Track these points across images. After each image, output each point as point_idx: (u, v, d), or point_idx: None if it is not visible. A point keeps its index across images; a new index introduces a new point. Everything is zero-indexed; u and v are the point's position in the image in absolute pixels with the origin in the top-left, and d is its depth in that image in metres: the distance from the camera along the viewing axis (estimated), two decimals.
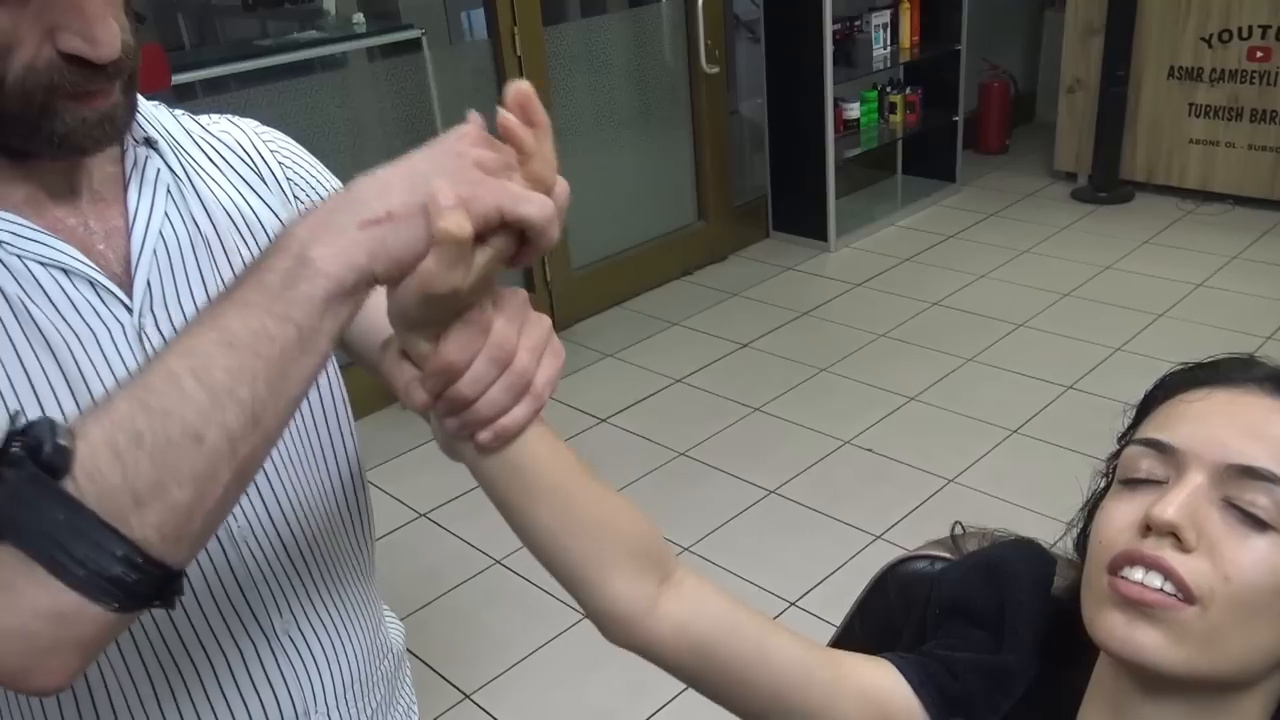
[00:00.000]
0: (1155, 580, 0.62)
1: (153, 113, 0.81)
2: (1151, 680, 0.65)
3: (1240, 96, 4.32)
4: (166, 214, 0.77)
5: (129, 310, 0.74)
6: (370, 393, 3.30)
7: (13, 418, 0.55)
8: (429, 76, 3.38)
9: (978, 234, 4.44)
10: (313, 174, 0.89)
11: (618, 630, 0.71)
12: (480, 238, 0.59)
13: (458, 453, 0.69)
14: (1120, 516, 0.66)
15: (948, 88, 4.73)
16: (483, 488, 0.69)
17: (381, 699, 0.95)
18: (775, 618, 2.51)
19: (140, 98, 0.76)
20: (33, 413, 0.69)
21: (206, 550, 0.77)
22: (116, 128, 0.70)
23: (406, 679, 1.04)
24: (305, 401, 0.84)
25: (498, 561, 2.60)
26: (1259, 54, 4.23)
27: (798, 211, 4.44)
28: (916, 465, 2.87)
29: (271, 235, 0.81)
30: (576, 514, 0.69)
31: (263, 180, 0.84)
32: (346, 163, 2.91)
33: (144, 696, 0.78)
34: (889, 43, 4.51)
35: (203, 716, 0.80)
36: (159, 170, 0.78)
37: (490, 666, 2.29)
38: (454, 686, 2.24)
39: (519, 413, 0.64)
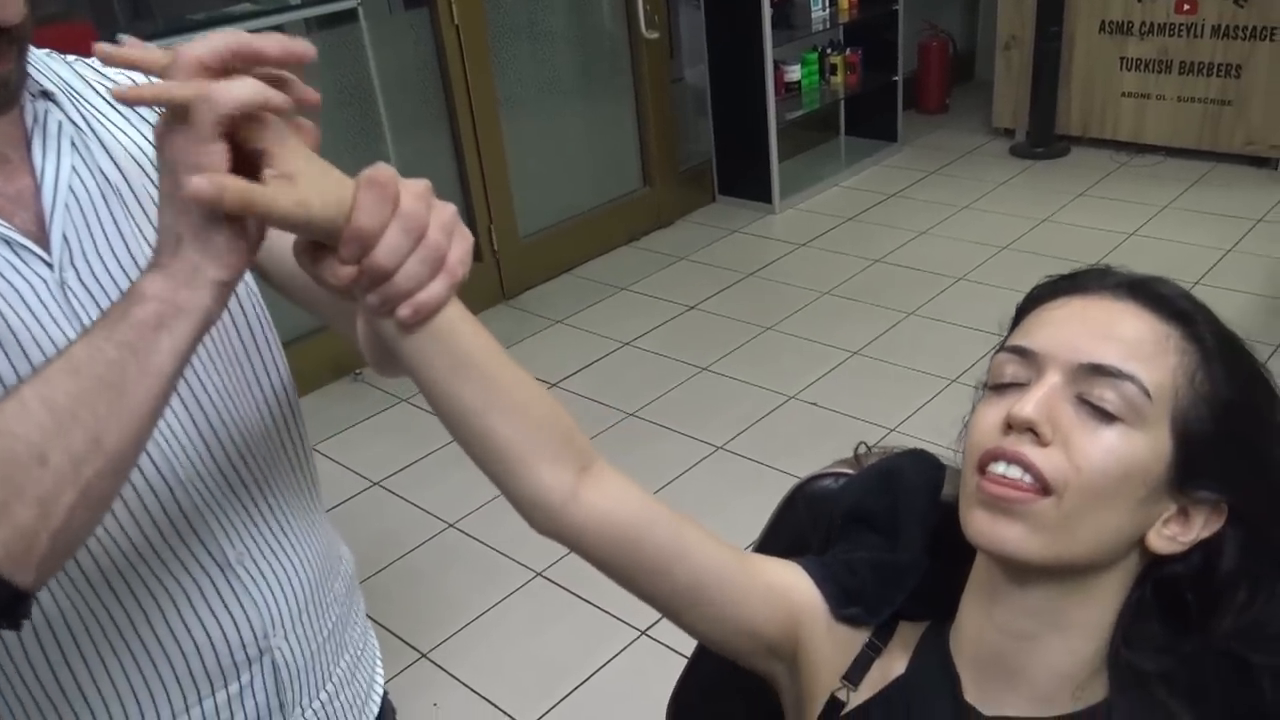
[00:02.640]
0: (1015, 472, 0.68)
1: (46, 63, 0.81)
2: (1017, 569, 0.71)
3: (1169, 49, 4.41)
4: (74, 167, 0.78)
5: (49, 265, 0.75)
6: (320, 365, 3.31)
7: None
8: (367, 48, 3.37)
9: (919, 192, 4.52)
10: None
11: (541, 517, 0.74)
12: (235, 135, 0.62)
13: (382, 351, 0.71)
14: (987, 418, 0.72)
15: (887, 48, 4.78)
16: (408, 371, 0.72)
17: (337, 620, 0.98)
18: None
19: (31, 47, 0.76)
20: None
21: (156, 494, 0.79)
22: (10, 93, 0.71)
23: (360, 604, 1.07)
24: (233, 330, 0.86)
25: (451, 525, 2.64)
26: (1185, 7, 4.32)
27: (742, 175, 4.48)
28: (860, 417, 2.94)
29: None
30: (500, 392, 0.72)
31: None
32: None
33: (109, 635, 0.81)
34: (828, 4, 4.55)
35: (168, 651, 0.83)
36: (60, 124, 0.78)
37: (446, 626, 2.34)
38: (411, 646, 2.28)
39: (436, 288, 0.67)
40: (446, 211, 0.69)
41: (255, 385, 0.88)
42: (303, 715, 0.94)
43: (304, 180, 0.64)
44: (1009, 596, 0.73)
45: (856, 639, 0.83)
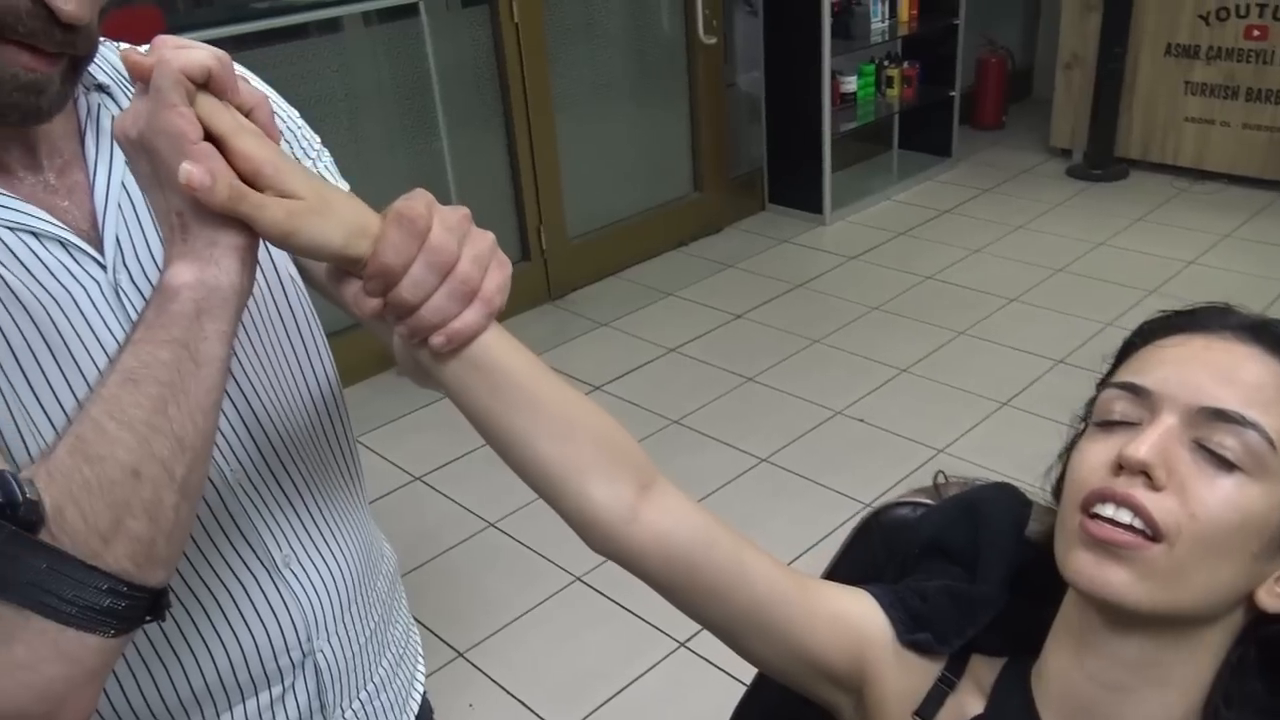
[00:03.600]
0: (1125, 516, 0.65)
1: (101, 53, 0.78)
2: (1117, 616, 0.68)
3: (1236, 75, 4.33)
4: (128, 164, 0.74)
5: (103, 267, 0.73)
6: (365, 358, 3.32)
7: None
8: (426, 43, 3.38)
9: (972, 209, 4.46)
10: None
11: (598, 538, 0.72)
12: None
13: (422, 370, 0.70)
14: (1094, 456, 0.69)
15: (945, 62, 4.73)
16: (451, 399, 0.71)
17: (379, 619, 0.97)
18: None
19: None
20: (18, 381, 0.69)
21: (205, 499, 0.78)
22: (40, 104, 0.67)
23: (402, 602, 1.06)
24: (280, 328, 0.85)
25: (492, 524, 2.63)
26: (1255, 32, 4.24)
27: (793, 184, 4.45)
28: (906, 435, 2.90)
29: None
30: (546, 414, 0.70)
31: None
32: (343, 130, 2.92)
33: (154, 641, 0.80)
34: (887, 16, 4.51)
35: (214, 655, 0.82)
36: (114, 118, 0.74)
37: (484, 626, 2.33)
38: (448, 645, 2.27)
39: (469, 317, 0.66)
40: (483, 241, 0.68)
41: (303, 384, 0.87)
42: (342, 716, 0.93)
43: (309, 203, 0.63)
44: (1104, 644, 0.70)
45: (928, 671, 0.80)
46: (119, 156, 0.76)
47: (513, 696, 2.16)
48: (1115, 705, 0.70)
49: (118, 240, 0.74)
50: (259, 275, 0.82)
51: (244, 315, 0.81)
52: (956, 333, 3.43)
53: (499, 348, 0.69)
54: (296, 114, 0.91)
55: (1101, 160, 4.66)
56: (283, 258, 0.86)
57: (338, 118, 3.22)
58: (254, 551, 0.83)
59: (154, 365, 0.61)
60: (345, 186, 0.92)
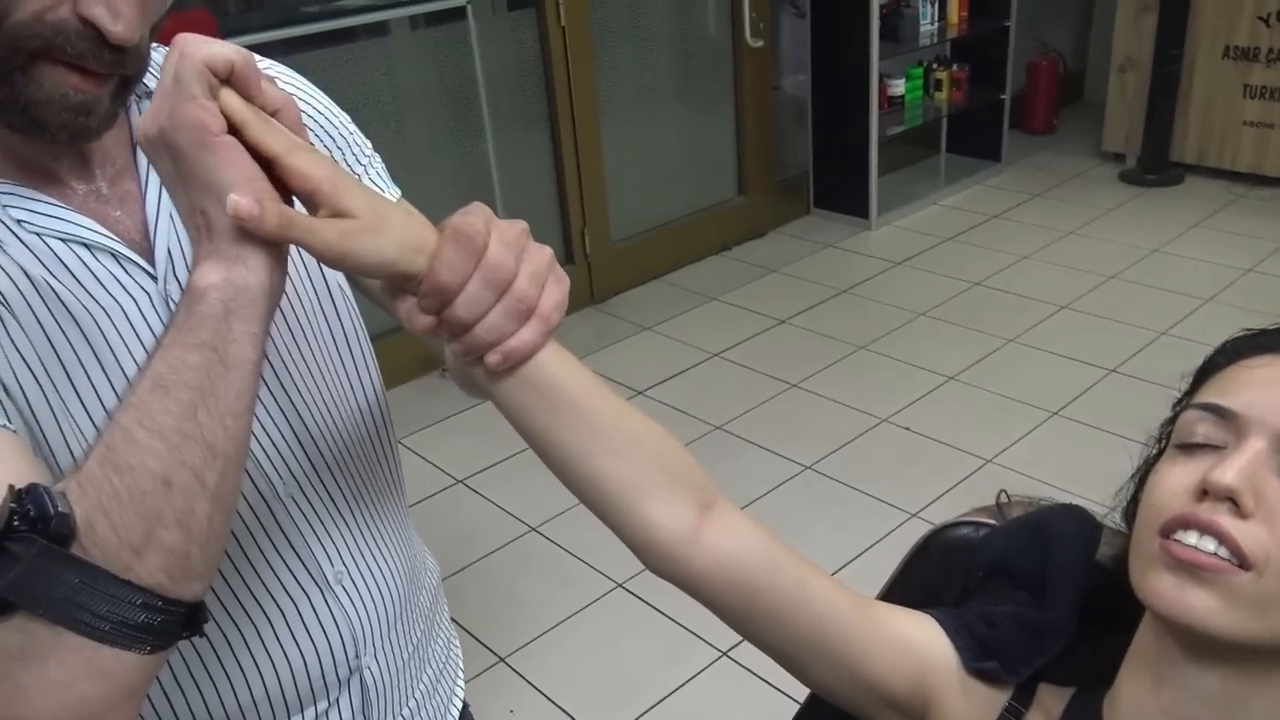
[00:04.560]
0: (1209, 545, 0.61)
1: (155, 60, 0.77)
2: (1197, 644, 0.65)
3: None
4: (151, 166, 0.74)
5: (153, 278, 0.73)
6: (407, 360, 3.33)
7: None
8: (473, 46, 3.38)
9: (1022, 214, 4.39)
10: (319, 110, 0.86)
11: (657, 560, 0.70)
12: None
13: (473, 383, 0.68)
14: (1175, 480, 0.65)
15: (995, 65, 4.66)
16: (506, 416, 0.69)
17: (422, 633, 0.96)
18: None
19: None
20: (67, 394, 0.68)
21: (255, 513, 0.78)
22: (89, 124, 0.66)
23: (444, 613, 1.04)
24: (329, 341, 0.84)
25: (533, 528, 2.62)
26: None
27: (839, 188, 4.40)
28: (954, 444, 2.85)
29: None
30: (604, 433, 0.68)
31: None
32: (389, 133, 2.93)
33: (205, 659, 0.79)
34: (936, 18, 4.45)
35: (263, 672, 0.81)
36: None
37: (524, 631, 2.32)
38: (489, 650, 2.27)
39: (526, 335, 0.65)
40: (541, 257, 0.66)
41: (351, 394, 0.86)
42: None
43: (361, 220, 0.61)
44: (1182, 676, 0.66)
45: (994, 700, 0.77)
46: None
47: (553, 703, 2.14)
48: None
49: (169, 251, 0.73)
50: (308, 285, 0.82)
51: (293, 325, 0.80)
52: (1005, 340, 3.37)
53: (556, 365, 0.67)
54: (348, 119, 0.89)
55: (1156, 165, 4.57)
56: (336, 275, 0.85)
57: (384, 120, 3.23)
58: (305, 567, 0.82)
59: (183, 370, 0.59)
60: (396, 193, 0.91)
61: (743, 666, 2.15)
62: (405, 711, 0.94)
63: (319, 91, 0.88)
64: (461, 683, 1.06)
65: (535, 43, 3.53)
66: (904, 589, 0.91)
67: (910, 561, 0.92)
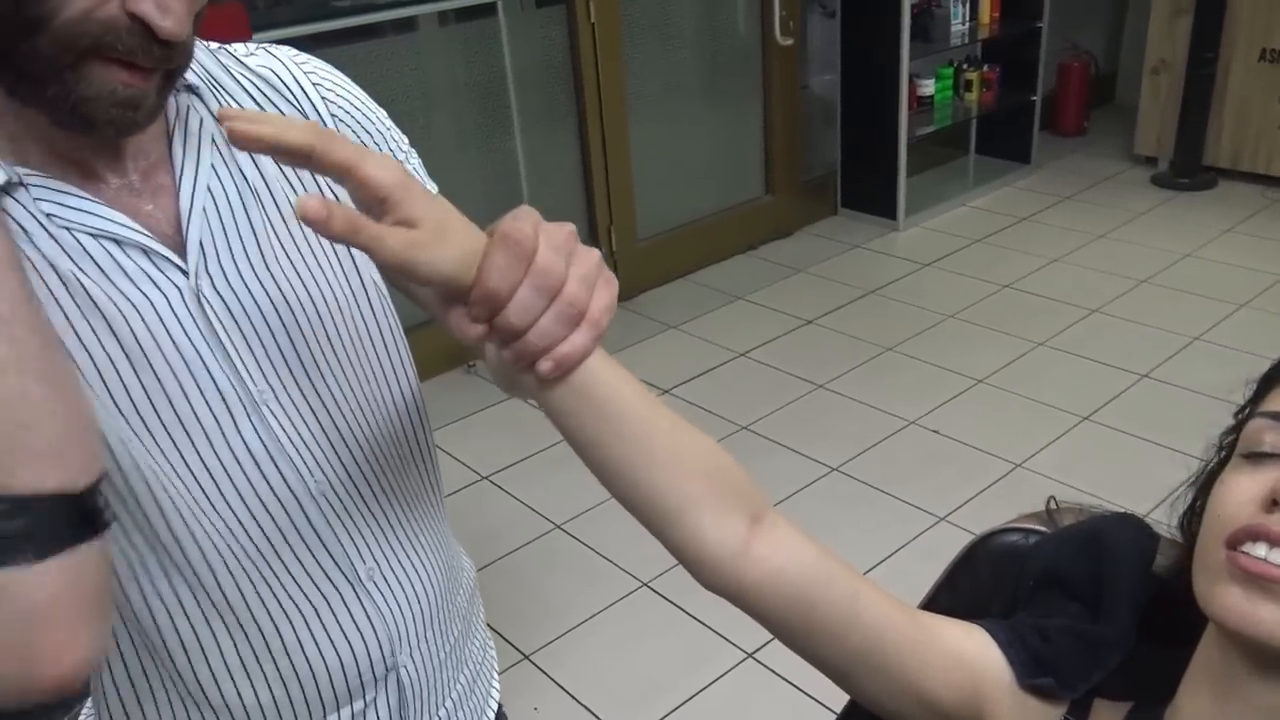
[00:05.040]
0: (1278, 557, 0.60)
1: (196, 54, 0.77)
2: (1265, 658, 0.63)
3: None
4: (213, 166, 0.75)
5: (184, 273, 0.72)
6: (436, 355, 3.33)
7: None
8: (503, 43, 3.38)
9: (1052, 217, 4.34)
10: (353, 104, 0.85)
11: (708, 574, 0.69)
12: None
13: (520, 387, 0.67)
14: (1243, 490, 0.64)
15: (1026, 66, 4.62)
16: (554, 422, 0.68)
17: (459, 633, 0.95)
18: None
19: None
20: (97, 389, 0.68)
21: (286, 509, 0.77)
22: (137, 119, 0.66)
23: (480, 614, 1.04)
24: (366, 340, 0.83)
25: (558, 526, 2.62)
26: None
27: (867, 189, 4.37)
28: (982, 448, 2.82)
29: (317, 176, 0.78)
30: (654, 443, 0.67)
31: (306, 118, 0.81)
32: (419, 128, 2.92)
33: (243, 656, 0.79)
34: (968, 18, 4.42)
35: (299, 671, 0.81)
36: (202, 120, 0.75)
37: (549, 629, 2.31)
38: (513, 647, 2.26)
39: (578, 340, 0.63)
40: (590, 260, 0.65)
41: (387, 392, 0.85)
42: None
43: (425, 229, 0.61)
44: (1249, 691, 0.65)
45: (1048, 715, 0.75)
46: (205, 159, 0.75)
47: (577, 701, 2.14)
48: None
49: (200, 246, 0.73)
50: (342, 281, 0.80)
51: (326, 322, 0.78)
52: (1035, 343, 3.34)
53: (606, 373, 0.66)
54: (384, 114, 0.89)
55: (1189, 168, 4.51)
56: (365, 262, 0.83)
57: (413, 116, 3.23)
58: (337, 564, 0.81)
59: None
60: (434, 188, 0.90)
61: (768, 669, 2.13)
62: (442, 712, 0.93)
63: (355, 86, 0.87)
64: (496, 684, 1.05)
65: (564, 39, 3.52)
66: (951, 596, 0.89)
67: (956, 568, 0.90)
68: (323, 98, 0.83)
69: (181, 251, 0.72)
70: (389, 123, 0.88)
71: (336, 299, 0.80)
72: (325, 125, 0.81)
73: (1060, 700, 0.74)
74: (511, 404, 3.17)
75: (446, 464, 2.90)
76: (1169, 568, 0.75)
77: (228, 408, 0.73)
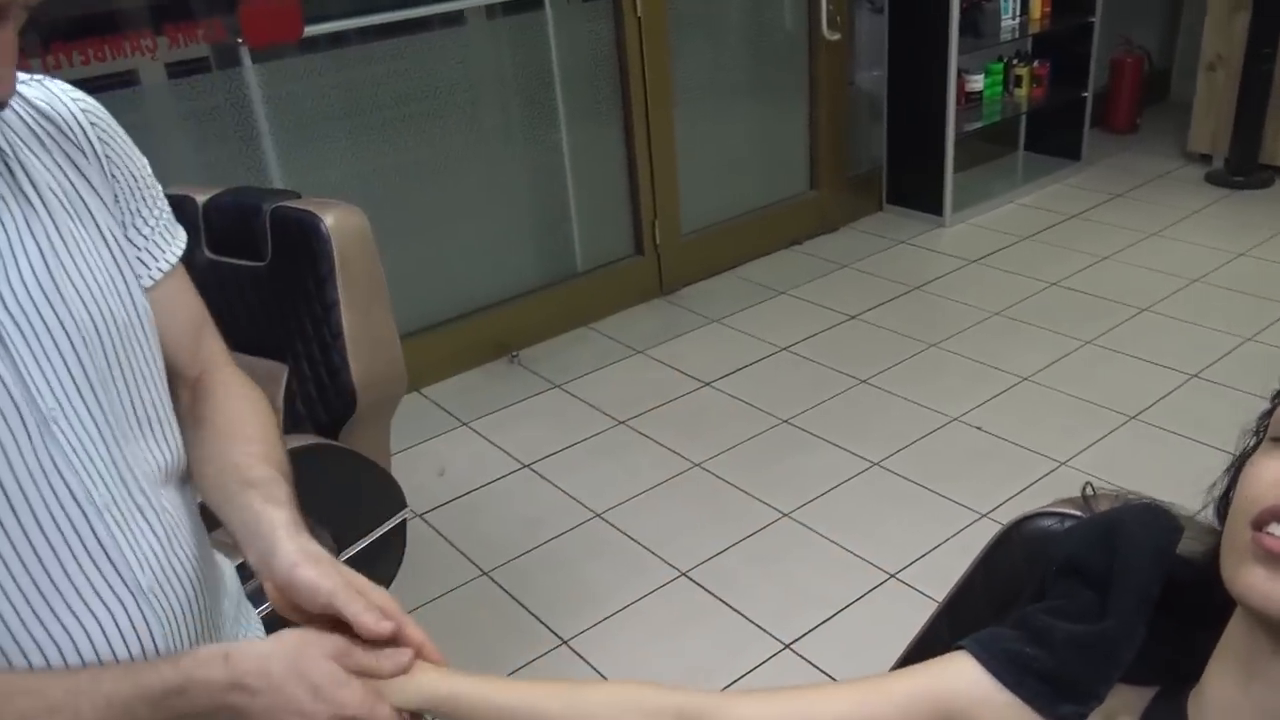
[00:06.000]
0: None
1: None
2: None
3: None
4: (0, 195, 0.78)
5: None
6: (481, 345, 3.37)
7: None
8: (549, 36, 3.40)
9: (1102, 214, 4.29)
10: (123, 149, 0.90)
11: None
12: None
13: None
14: (1270, 472, 0.64)
15: (1078, 62, 4.56)
16: None
17: (231, 637, 0.98)
18: (873, 589, 2.46)
19: None
20: None
21: (72, 523, 0.78)
22: None
23: (253, 616, 1.06)
24: (140, 360, 0.87)
25: (598, 515, 2.64)
26: None
27: (913, 185, 4.35)
28: (1027, 446, 2.80)
29: (93, 212, 0.84)
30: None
31: (84, 156, 0.86)
32: (465, 121, 2.96)
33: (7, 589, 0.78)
34: (1018, 13, 4.37)
35: (53, 605, 0.79)
36: None
37: (587, 616, 2.33)
38: (552, 632, 2.29)
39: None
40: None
41: (154, 412, 0.88)
42: None
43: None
44: (1273, 670, 0.65)
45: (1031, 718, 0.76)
46: None
47: None
48: None
49: None
50: (122, 305, 0.85)
51: (110, 343, 0.83)
52: (1082, 342, 3.30)
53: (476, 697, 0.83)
54: (146, 162, 0.93)
55: (1244, 167, 4.43)
56: (138, 289, 0.88)
57: (460, 109, 3.27)
58: (120, 576, 0.82)
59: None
60: (182, 233, 0.95)
61: (805, 659, 2.14)
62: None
63: (122, 130, 0.91)
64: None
65: (610, 33, 3.54)
66: (986, 578, 0.90)
67: (990, 551, 0.91)
68: (98, 137, 0.87)
69: None
70: (149, 172, 0.93)
71: (117, 321, 0.83)
72: (99, 158, 0.86)
73: (1083, 715, 0.74)
74: (554, 394, 3.19)
75: (489, 452, 2.94)
76: (1204, 553, 0.75)
77: (23, 422, 0.76)
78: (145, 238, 0.91)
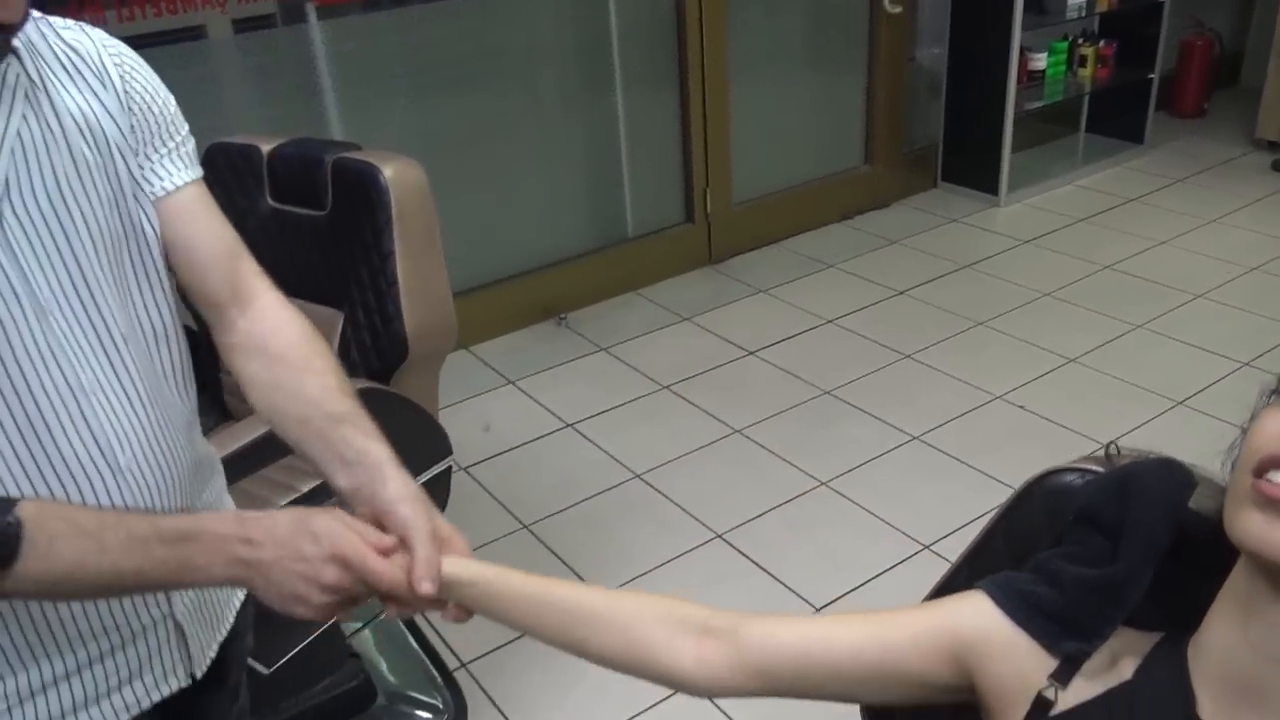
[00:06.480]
0: None
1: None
2: None
3: None
4: (24, 116, 0.87)
5: None
6: (530, 307, 3.42)
7: None
8: (609, 1, 3.42)
9: (1162, 199, 4.22)
10: (146, 86, 0.98)
11: (690, 691, 0.87)
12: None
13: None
14: (1274, 424, 0.66)
15: (1145, 43, 4.47)
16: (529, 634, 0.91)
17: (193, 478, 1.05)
18: (906, 559, 2.48)
19: None
20: None
21: (64, 402, 0.89)
22: None
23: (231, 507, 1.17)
24: (130, 272, 0.97)
25: (637, 475, 2.69)
26: None
27: (969, 163, 4.31)
28: (1070, 427, 2.79)
29: (108, 136, 0.93)
30: (598, 617, 0.89)
31: (104, 87, 0.94)
32: (523, 85, 2.98)
33: None
34: None
35: (43, 469, 0.88)
36: (18, 77, 0.87)
37: (621, 572, 2.38)
38: None
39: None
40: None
41: (145, 318, 0.98)
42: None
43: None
44: (1271, 612, 0.67)
45: (1038, 651, 0.79)
46: (18, 110, 0.86)
47: None
48: (1278, 679, 0.68)
49: (5, 179, 0.85)
50: (117, 223, 0.94)
51: (102, 252, 0.93)
52: (1133, 325, 3.27)
53: (529, 588, 0.92)
54: (173, 101, 1.02)
55: None
56: (139, 213, 0.97)
57: (517, 73, 3.30)
58: (102, 452, 0.92)
59: (147, 568, 0.82)
60: (199, 173, 1.03)
61: None
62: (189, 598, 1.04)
63: (152, 73, 1.00)
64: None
65: (670, 0, 3.55)
66: (1007, 531, 0.92)
67: (1013, 504, 0.93)
68: (121, 77, 0.96)
69: None
70: (173, 109, 1.01)
71: (110, 234, 0.93)
72: (118, 92, 0.95)
73: (1086, 652, 0.78)
74: (600, 357, 3.24)
75: (533, 410, 2.99)
76: (1217, 510, 0.77)
77: (22, 310, 0.86)
78: (158, 158, 0.99)
